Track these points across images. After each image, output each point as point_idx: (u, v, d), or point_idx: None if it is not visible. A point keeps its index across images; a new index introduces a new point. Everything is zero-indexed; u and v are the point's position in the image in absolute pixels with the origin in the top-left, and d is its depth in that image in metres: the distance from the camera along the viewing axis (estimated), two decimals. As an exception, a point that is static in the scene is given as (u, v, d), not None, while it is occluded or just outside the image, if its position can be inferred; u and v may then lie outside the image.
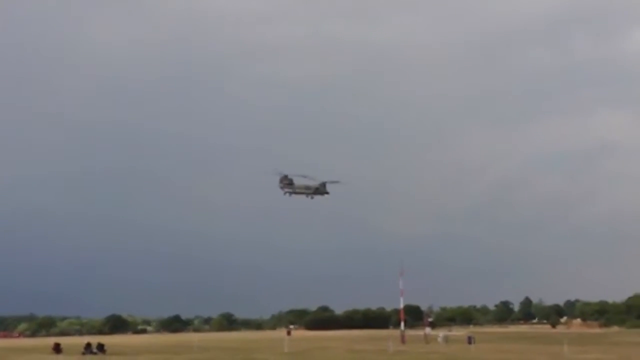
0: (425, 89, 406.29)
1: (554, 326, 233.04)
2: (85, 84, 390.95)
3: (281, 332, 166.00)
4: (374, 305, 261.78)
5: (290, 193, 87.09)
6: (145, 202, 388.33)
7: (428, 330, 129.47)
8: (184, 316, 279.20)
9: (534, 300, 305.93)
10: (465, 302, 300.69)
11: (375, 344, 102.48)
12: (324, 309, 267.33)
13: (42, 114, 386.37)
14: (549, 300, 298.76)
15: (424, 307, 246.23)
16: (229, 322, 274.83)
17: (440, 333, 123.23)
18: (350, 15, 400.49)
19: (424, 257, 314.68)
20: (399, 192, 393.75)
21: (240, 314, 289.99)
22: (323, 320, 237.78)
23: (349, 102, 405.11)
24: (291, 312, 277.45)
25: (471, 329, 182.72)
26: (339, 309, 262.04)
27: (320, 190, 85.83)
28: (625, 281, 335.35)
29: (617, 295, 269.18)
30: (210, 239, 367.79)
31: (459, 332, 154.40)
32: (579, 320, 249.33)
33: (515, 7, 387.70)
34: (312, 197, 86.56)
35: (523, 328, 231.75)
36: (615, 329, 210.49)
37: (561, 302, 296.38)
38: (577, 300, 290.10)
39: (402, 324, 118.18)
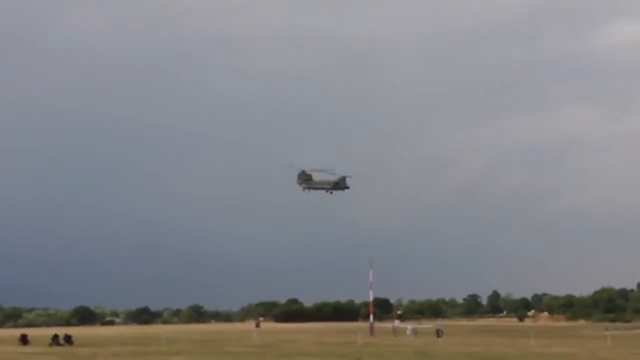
0: (395, 82, 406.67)
1: (521, 320, 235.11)
2: (56, 69, 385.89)
3: (250, 325, 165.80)
4: (343, 298, 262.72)
5: (309, 189, 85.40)
6: (114, 191, 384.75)
7: (397, 323, 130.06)
8: (152, 308, 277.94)
9: (502, 294, 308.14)
10: (434, 296, 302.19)
11: (344, 336, 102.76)
12: (293, 301, 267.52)
13: (7, 99, 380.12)
14: (517, 294, 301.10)
15: (393, 300, 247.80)
16: (198, 314, 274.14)
17: (409, 326, 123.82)
18: (324, 7, 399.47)
19: (394, 250, 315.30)
20: (369, 185, 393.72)
21: (209, 306, 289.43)
22: (292, 312, 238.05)
23: (321, 94, 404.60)
24: (260, 304, 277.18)
25: (439, 322, 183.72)
26: (309, 301, 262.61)
27: (340, 184, 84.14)
28: (592, 275, 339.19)
29: (583, 289, 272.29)
30: (180, 230, 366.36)
31: (428, 325, 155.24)
32: (546, 313, 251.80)
33: (485, 2, 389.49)
34: (331, 192, 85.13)
35: (491, 321, 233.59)
36: (581, 322, 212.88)
37: (529, 296, 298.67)
38: (544, 294, 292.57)
39: (371, 316, 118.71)
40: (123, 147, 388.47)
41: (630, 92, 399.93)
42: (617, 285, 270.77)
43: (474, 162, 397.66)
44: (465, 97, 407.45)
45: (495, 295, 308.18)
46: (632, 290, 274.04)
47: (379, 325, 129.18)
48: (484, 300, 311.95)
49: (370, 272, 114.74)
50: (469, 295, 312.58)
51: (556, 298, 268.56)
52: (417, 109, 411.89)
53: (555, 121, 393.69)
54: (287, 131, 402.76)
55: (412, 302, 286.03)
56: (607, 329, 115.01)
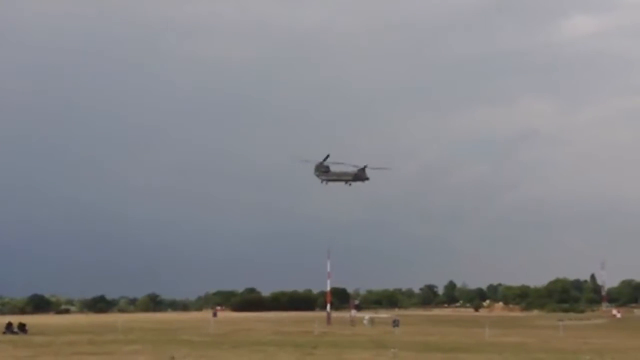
0: (350, 74, 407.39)
1: (476, 310, 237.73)
2: (7, 53, 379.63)
3: (207, 314, 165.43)
4: (301, 288, 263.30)
5: (327, 180, 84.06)
6: (71, 178, 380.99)
7: (354, 312, 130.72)
8: (109, 296, 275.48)
9: (458, 284, 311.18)
10: (391, 286, 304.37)
11: (301, 325, 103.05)
12: (251, 290, 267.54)
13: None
14: (473, 284, 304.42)
15: (350, 290, 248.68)
16: (154, 303, 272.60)
17: (366, 316, 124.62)
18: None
19: (351, 240, 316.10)
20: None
21: (166, 295, 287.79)
22: (250, 301, 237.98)
23: (273, 85, 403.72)
24: (218, 293, 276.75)
25: (396, 312, 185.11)
26: (266, 290, 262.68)
27: (359, 176, 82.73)
28: (546, 266, 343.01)
29: (538, 279, 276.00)
30: (137, 218, 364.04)
31: (384, 314, 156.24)
32: (501, 303, 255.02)
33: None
34: (350, 184, 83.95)
35: (447, 311, 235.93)
36: (535, 312, 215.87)
37: (484, 286, 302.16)
38: (499, 285, 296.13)
39: (329, 306, 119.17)
40: (78, 136, 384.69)
41: (585, 85, 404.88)
42: (571, 276, 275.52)
43: (430, 154, 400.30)
44: (421, 90, 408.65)
45: (451, 286, 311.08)
46: (585, 281, 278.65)
47: (336, 314, 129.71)
48: (441, 291, 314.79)
49: (328, 262, 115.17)
50: (426, 286, 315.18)
51: (511, 288, 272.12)
52: (373, 102, 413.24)
53: (512, 114, 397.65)
54: (240, 123, 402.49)
55: (370, 292, 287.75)
56: (560, 319, 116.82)
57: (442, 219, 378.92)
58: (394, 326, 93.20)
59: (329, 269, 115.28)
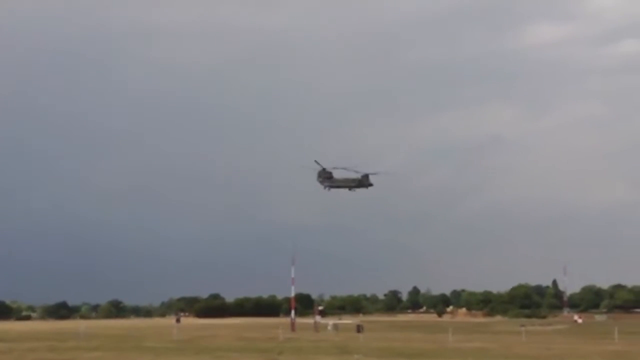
0: (314, 78, 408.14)
1: (440, 315, 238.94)
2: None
3: (171, 320, 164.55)
4: (265, 294, 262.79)
5: (330, 187, 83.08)
6: (31, 183, 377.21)
7: (318, 318, 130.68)
8: (70, 303, 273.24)
9: (422, 289, 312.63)
10: (355, 291, 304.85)
11: (265, 331, 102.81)
12: (215, 296, 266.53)
13: None
14: (437, 290, 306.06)
15: (314, 296, 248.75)
16: (117, 310, 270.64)
17: (330, 321, 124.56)
18: (246, 1, 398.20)
19: (316, 246, 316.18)
20: (290, 180, 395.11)
21: (129, 301, 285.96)
22: (214, 308, 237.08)
23: (238, 89, 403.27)
24: (181, 299, 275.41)
25: (360, 318, 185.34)
26: (230, 296, 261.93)
27: (363, 182, 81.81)
28: (509, 272, 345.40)
29: (501, 285, 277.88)
30: (100, 224, 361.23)
31: (349, 320, 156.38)
32: (464, 309, 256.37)
33: (407, 1, 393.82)
34: (353, 190, 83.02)
35: (411, 317, 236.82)
36: (498, 318, 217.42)
37: (448, 292, 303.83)
38: (463, 290, 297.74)
39: (293, 312, 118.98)
40: (35, 137, 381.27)
41: (548, 92, 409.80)
42: (533, 282, 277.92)
43: (395, 159, 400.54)
44: (386, 95, 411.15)
45: (415, 291, 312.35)
46: (547, 287, 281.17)
47: (300, 320, 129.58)
48: (405, 296, 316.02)
49: (293, 268, 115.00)
50: (390, 291, 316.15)
51: (474, 294, 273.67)
52: (336, 106, 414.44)
53: (476, 120, 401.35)
54: (205, 127, 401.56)
55: (334, 297, 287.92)
56: (522, 325, 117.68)
57: (407, 224, 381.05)
58: (358, 332, 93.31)
59: (293, 275, 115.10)
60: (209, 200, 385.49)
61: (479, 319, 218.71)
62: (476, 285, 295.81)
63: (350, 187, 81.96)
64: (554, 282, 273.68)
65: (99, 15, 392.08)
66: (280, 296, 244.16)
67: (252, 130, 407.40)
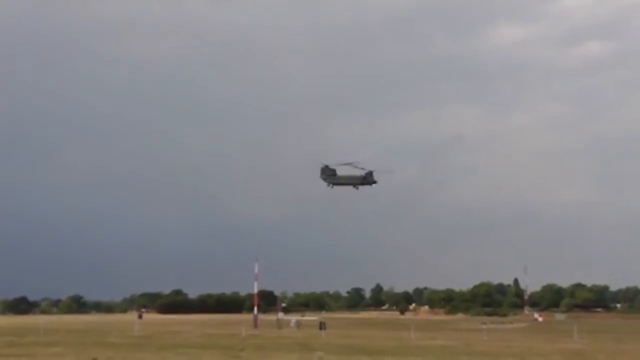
0: (283, 74, 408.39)
1: (402, 313, 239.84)
2: None
3: (132, 316, 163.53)
4: (228, 290, 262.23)
5: (334, 184, 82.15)
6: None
7: (281, 315, 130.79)
8: (31, 298, 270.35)
9: (385, 287, 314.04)
10: (319, 288, 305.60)
11: (227, 328, 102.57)
12: (178, 292, 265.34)
13: None
14: (399, 288, 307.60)
15: (278, 293, 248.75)
16: (78, 305, 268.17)
17: (293, 318, 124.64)
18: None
19: (279, 242, 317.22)
20: (256, 173, 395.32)
21: (90, 297, 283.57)
22: (176, 304, 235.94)
23: (204, 84, 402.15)
24: (144, 295, 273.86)
25: (323, 315, 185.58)
26: (193, 293, 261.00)
27: (367, 179, 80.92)
28: (471, 270, 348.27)
29: (463, 283, 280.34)
30: (59, 217, 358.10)
31: (311, 317, 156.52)
32: (426, 307, 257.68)
33: (374, 0, 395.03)
34: (357, 188, 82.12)
35: (373, 314, 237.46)
36: (460, 316, 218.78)
37: (410, 290, 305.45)
38: (425, 288, 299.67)
39: (256, 308, 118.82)
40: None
41: (513, 93, 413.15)
42: (495, 280, 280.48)
43: (360, 156, 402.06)
44: (354, 92, 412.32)
45: (378, 289, 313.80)
46: (509, 285, 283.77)
47: (263, 317, 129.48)
48: (368, 294, 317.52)
49: (256, 264, 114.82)
50: (353, 289, 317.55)
51: (436, 292, 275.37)
52: (305, 102, 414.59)
53: (442, 119, 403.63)
54: (170, 121, 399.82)
55: (297, 294, 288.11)
56: (483, 323, 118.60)
57: (371, 222, 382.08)
58: (320, 329, 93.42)
59: (256, 271, 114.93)
60: (171, 196, 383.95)
61: (441, 316, 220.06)
62: (439, 283, 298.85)
63: (354, 185, 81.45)
64: (515, 281, 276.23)
65: (58, 8, 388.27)
66: (243, 292, 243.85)
67: (216, 125, 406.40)
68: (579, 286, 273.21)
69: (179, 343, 66.89)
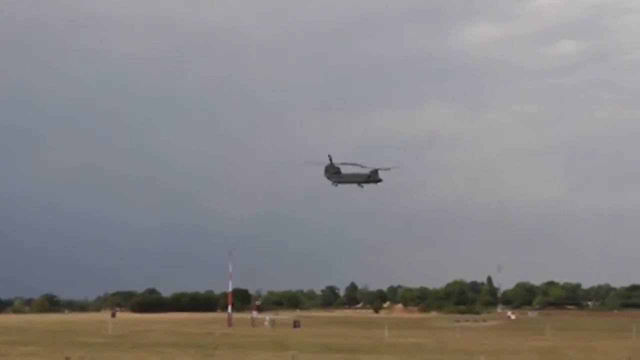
0: (256, 72, 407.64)
1: (376, 311, 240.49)
2: None
3: (106, 314, 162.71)
4: (202, 289, 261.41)
5: (338, 182, 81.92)
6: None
7: (255, 313, 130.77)
8: (3, 297, 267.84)
9: (359, 285, 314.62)
10: (293, 287, 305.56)
11: (201, 327, 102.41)
12: (151, 291, 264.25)
13: None
14: (374, 286, 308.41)
15: (252, 291, 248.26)
16: (51, 304, 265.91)
17: (267, 317, 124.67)
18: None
19: (254, 241, 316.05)
20: (231, 170, 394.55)
21: (63, 296, 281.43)
22: (150, 302, 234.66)
23: (176, 82, 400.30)
24: (117, 294, 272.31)
25: (297, 313, 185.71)
26: (167, 291, 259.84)
27: (372, 177, 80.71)
28: (445, 268, 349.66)
29: (437, 282, 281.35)
30: (31, 213, 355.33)
31: (285, 316, 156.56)
32: (400, 305, 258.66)
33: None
34: (362, 186, 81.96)
35: (348, 312, 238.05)
36: (433, 314, 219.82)
37: (385, 288, 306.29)
38: (399, 286, 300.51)
39: (230, 307, 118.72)
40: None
41: (486, 91, 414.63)
42: (469, 278, 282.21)
43: (334, 156, 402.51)
44: (326, 92, 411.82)
45: (352, 287, 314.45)
46: (482, 283, 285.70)
47: (237, 316, 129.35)
48: (342, 292, 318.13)
49: (230, 263, 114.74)
50: (327, 287, 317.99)
51: (410, 290, 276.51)
52: (278, 100, 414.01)
53: (417, 117, 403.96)
54: (144, 119, 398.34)
55: (271, 293, 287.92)
56: (457, 321, 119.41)
57: (345, 220, 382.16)
58: (294, 327, 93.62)
59: (230, 270, 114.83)
60: (146, 193, 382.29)
61: (415, 314, 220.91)
62: (412, 281, 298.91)
63: (359, 183, 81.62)
64: (489, 279, 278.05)
65: (32, 3, 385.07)
66: (217, 291, 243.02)
67: (191, 121, 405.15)
68: (551, 284, 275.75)
69: (153, 342, 66.74)
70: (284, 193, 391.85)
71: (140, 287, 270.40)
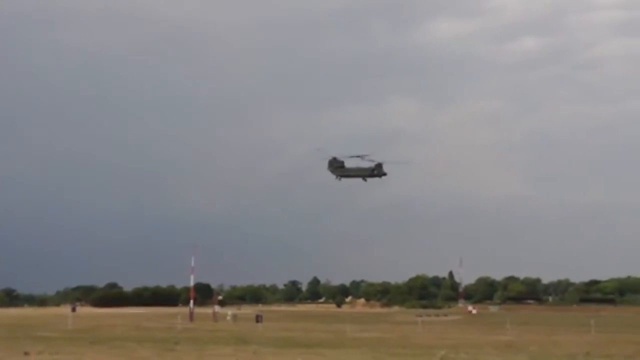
0: (221, 67, 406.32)
1: (339, 306, 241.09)
2: None
3: (66, 309, 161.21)
4: (164, 283, 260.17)
5: (342, 177, 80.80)
6: None
7: (217, 308, 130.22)
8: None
9: (322, 280, 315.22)
10: (256, 281, 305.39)
11: (163, 321, 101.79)
12: (113, 285, 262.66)
13: None
14: (336, 281, 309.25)
15: (214, 286, 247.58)
16: (10, 298, 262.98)
17: (229, 311, 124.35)
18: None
19: (216, 235, 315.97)
20: (193, 164, 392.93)
21: (22, 290, 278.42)
22: (111, 297, 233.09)
23: (141, 79, 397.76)
24: (78, 288, 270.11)
25: (260, 308, 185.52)
26: (128, 286, 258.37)
27: (376, 171, 79.69)
28: (408, 263, 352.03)
29: (399, 276, 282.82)
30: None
31: (248, 310, 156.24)
32: (363, 300, 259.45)
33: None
34: (366, 180, 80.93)
35: (310, 307, 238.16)
36: (396, 308, 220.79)
37: (347, 283, 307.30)
38: (362, 281, 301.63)
39: (192, 302, 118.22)
40: None
41: (450, 87, 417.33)
42: (431, 273, 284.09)
43: (299, 150, 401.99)
44: (292, 86, 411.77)
45: (315, 282, 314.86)
46: (444, 278, 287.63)
47: (199, 310, 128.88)
48: (305, 287, 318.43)
49: (192, 257, 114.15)
50: (290, 282, 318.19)
51: (373, 285, 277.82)
52: (243, 96, 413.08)
53: (381, 113, 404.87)
54: (104, 115, 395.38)
55: (234, 287, 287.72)
56: (419, 315, 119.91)
57: (307, 215, 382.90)
58: (257, 322, 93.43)
59: (193, 264, 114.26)
60: (105, 187, 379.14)
61: (377, 309, 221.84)
62: (375, 276, 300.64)
63: (363, 177, 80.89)
64: (450, 274, 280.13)
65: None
66: (179, 286, 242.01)
67: (157, 117, 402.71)
68: (512, 279, 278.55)
69: (113, 336, 66.17)
70: (249, 187, 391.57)
71: (101, 282, 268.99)
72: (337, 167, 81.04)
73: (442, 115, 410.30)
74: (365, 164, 79.69)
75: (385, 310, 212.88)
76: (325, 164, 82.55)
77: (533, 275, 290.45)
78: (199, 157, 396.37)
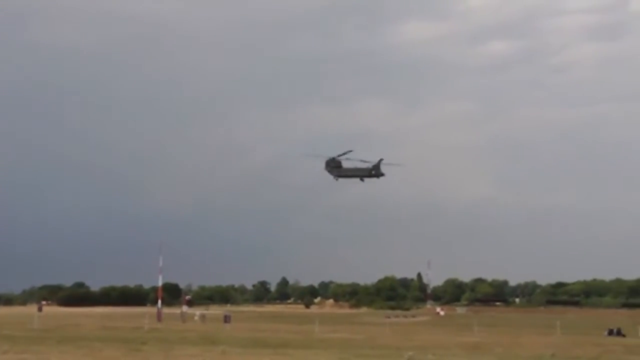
0: (191, 67, 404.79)
1: (307, 306, 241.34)
2: None
3: (32, 308, 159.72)
4: (131, 283, 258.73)
5: (340, 177, 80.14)
6: None
7: (185, 308, 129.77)
8: None
9: (291, 280, 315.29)
10: (224, 282, 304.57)
11: (130, 321, 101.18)
12: (80, 285, 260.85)
13: None
14: (305, 281, 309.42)
15: (182, 286, 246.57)
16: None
17: (197, 312, 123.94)
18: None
19: (184, 235, 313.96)
20: (161, 163, 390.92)
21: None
22: (78, 296, 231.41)
23: (116, 76, 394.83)
24: (44, 287, 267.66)
25: (228, 308, 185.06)
26: (96, 285, 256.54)
27: (374, 171, 79.10)
28: (376, 264, 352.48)
29: (368, 277, 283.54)
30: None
31: (216, 311, 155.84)
32: (331, 300, 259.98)
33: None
34: (363, 180, 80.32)
35: (279, 308, 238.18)
36: (364, 309, 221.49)
37: (316, 283, 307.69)
38: (331, 282, 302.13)
39: (160, 302, 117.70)
40: None
41: (419, 89, 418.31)
42: (399, 274, 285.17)
43: (268, 150, 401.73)
44: (261, 87, 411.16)
45: (284, 282, 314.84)
46: (412, 279, 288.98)
47: (167, 310, 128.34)
48: (273, 287, 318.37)
49: (160, 257, 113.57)
50: (259, 282, 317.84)
51: (341, 286, 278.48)
52: (212, 95, 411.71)
53: (349, 114, 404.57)
54: (79, 114, 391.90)
55: (202, 287, 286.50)
56: (387, 316, 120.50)
57: (276, 216, 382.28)
58: (225, 322, 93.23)
59: (160, 264, 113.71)
60: (73, 186, 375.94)
61: (346, 310, 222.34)
62: (344, 277, 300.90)
63: (360, 177, 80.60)
64: (419, 275, 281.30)
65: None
66: (147, 285, 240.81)
67: (128, 115, 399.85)
68: (479, 281, 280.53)
69: (80, 336, 65.72)
70: (217, 185, 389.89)
71: (68, 281, 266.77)
72: (335, 167, 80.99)
73: (412, 117, 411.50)
74: (363, 164, 79.78)
75: (353, 311, 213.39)
76: (319, 164, 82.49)
77: (500, 277, 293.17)
78: (167, 156, 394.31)
